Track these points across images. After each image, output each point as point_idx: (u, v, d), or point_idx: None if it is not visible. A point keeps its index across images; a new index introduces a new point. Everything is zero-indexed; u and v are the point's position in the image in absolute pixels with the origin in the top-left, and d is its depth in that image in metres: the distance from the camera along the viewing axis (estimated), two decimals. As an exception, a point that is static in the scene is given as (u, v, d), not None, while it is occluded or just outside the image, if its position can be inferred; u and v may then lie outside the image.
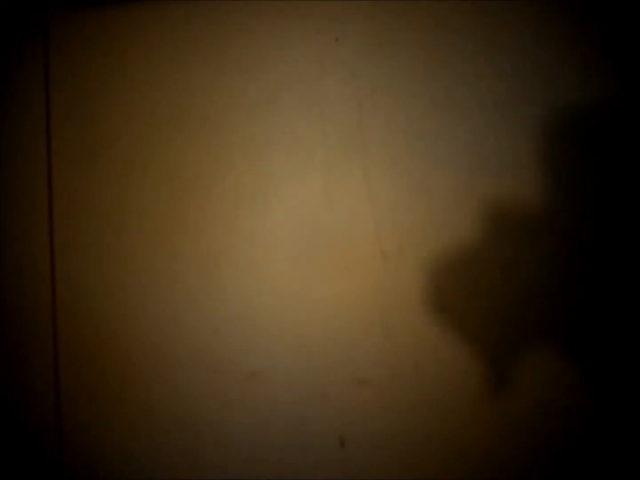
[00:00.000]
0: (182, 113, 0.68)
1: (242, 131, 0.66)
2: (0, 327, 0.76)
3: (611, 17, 0.56)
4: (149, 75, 0.69)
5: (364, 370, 0.63)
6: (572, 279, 0.58)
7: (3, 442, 0.75)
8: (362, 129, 0.62)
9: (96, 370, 0.72)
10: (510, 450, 0.60)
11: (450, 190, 0.60)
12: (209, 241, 0.67)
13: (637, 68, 0.55)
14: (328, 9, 0.63)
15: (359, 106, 0.62)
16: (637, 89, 0.55)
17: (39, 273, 0.74)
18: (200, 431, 0.69)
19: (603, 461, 0.57)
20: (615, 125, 0.56)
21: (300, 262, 0.64)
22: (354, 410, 0.63)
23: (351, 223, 0.63)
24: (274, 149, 0.65)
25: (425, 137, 0.60)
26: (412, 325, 0.61)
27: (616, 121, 0.56)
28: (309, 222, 0.64)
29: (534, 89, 0.58)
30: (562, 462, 0.59)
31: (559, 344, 0.58)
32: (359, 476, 0.64)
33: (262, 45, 0.65)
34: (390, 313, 0.62)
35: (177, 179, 0.68)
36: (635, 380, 0.56)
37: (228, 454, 0.68)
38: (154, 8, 0.68)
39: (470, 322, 0.60)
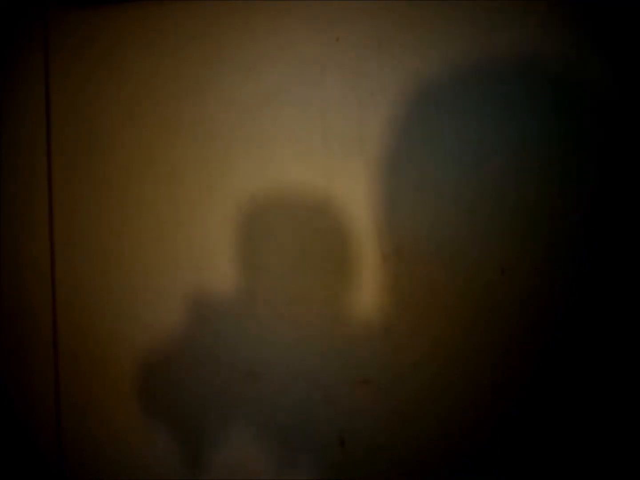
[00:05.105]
0: (182, 113, 0.68)
1: (242, 131, 0.66)
2: (0, 327, 0.76)
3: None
4: (149, 74, 0.69)
5: (364, 370, 0.63)
6: (573, 279, 0.58)
7: (3, 442, 0.75)
8: (362, 129, 0.62)
9: (96, 370, 0.72)
10: (510, 450, 0.60)
11: (451, 190, 0.60)
12: (209, 241, 0.67)
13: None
14: (329, 9, 0.63)
15: (359, 106, 0.62)
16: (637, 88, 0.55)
17: (39, 273, 0.74)
18: (200, 431, 0.69)
19: (603, 463, 0.57)
20: (615, 124, 0.56)
21: (300, 261, 0.64)
22: (354, 410, 0.63)
23: (351, 223, 0.63)
24: (274, 148, 0.65)
25: (425, 136, 0.60)
26: (412, 325, 0.61)
27: (617, 120, 0.56)
28: (310, 222, 0.64)
29: (538, 89, 0.58)
30: (562, 462, 0.58)
31: (559, 344, 0.58)
32: (359, 476, 0.64)
33: (262, 44, 0.65)
34: (390, 313, 0.62)
35: (177, 179, 0.68)
36: (635, 380, 0.56)
37: (227, 454, 0.68)
38: (154, 7, 0.68)
39: (470, 322, 0.60)
